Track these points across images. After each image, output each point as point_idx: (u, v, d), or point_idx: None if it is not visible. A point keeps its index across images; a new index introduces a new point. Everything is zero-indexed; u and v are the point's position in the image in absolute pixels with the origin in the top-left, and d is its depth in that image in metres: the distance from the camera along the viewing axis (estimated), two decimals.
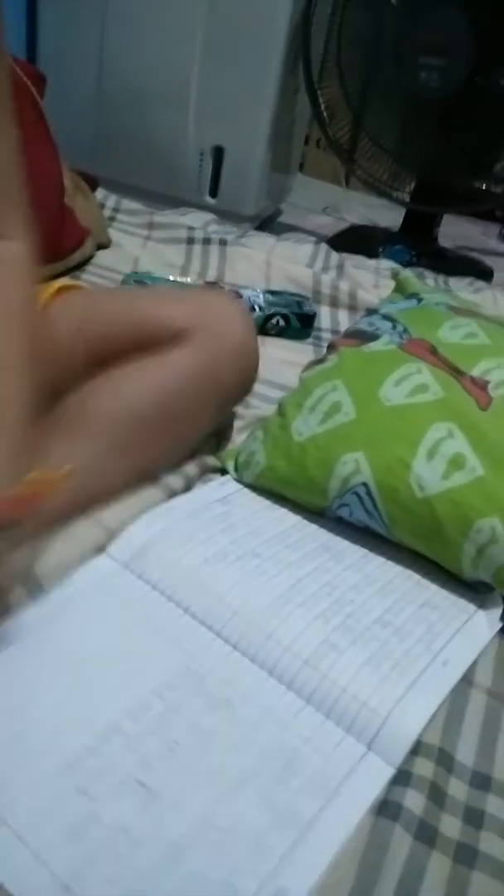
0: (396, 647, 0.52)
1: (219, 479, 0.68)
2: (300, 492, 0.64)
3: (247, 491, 0.66)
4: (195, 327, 0.62)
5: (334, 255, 1.24)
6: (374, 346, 0.74)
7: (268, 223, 1.78)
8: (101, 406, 0.58)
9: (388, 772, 0.44)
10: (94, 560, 0.54)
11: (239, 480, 0.67)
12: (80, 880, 0.35)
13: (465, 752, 0.47)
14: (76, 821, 0.37)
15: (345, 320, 1.07)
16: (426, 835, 0.42)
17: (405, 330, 0.78)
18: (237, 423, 0.77)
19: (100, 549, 0.55)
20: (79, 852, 0.36)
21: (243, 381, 0.68)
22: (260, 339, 0.96)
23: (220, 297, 0.68)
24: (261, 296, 1.01)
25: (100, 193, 1.26)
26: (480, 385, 0.69)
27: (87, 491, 0.56)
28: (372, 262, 1.30)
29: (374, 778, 0.44)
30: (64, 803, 0.38)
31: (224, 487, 0.67)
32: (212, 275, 1.13)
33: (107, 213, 1.24)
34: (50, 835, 0.37)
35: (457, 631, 0.55)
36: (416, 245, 1.59)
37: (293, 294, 1.05)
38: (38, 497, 0.40)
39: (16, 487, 0.40)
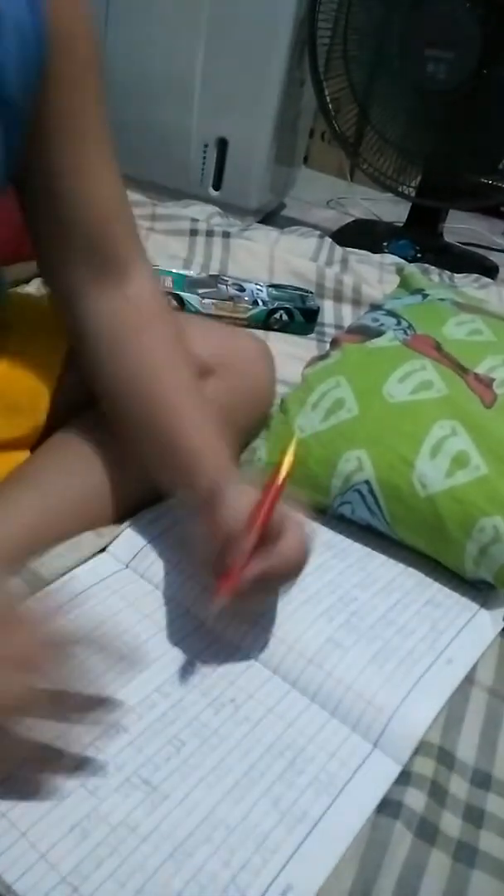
0: (401, 646, 0.52)
1: None
2: (302, 489, 0.64)
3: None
4: (218, 367, 0.62)
5: (338, 250, 1.24)
6: (378, 342, 0.74)
7: (271, 216, 1.77)
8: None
9: (394, 770, 0.44)
10: (95, 559, 0.54)
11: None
12: (88, 880, 0.35)
13: (466, 751, 0.48)
14: (83, 820, 0.38)
15: (348, 315, 1.07)
16: (427, 833, 0.42)
17: (410, 326, 0.78)
18: None
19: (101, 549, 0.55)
20: (86, 852, 0.36)
21: (257, 426, 0.68)
22: (263, 333, 0.97)
23: (246, 336, 0.68)
24: (264, 290, 1.01)
25: None
26: (485, 382, 0.69)
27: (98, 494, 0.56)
28: (376, 257, 1.30)
29: (381, 776, 0.44)
30: (70, 803, 0.38)
31: None
32: (215, 267, 1.12)
33: None
34: (57, 835, 0.37)
35: (461, 629, 0.55)
36: (420, 240, 1.58)
37: (297, 288, 1.05)
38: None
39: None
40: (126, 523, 0.57)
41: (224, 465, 0.51)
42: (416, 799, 0.43)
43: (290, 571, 0.46)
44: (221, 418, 0.58)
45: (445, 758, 0.47)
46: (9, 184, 0.50)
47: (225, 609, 0.43)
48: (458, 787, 0.45)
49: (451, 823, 0.43)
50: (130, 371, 0.54)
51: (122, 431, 0.56)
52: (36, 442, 0.59)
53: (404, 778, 0.44)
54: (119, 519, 0.58)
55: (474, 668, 0.53)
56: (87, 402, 0.59)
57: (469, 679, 0.52)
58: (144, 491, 0.57)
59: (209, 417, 0.54)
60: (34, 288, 0.93)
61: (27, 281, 0.97)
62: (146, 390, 0.54)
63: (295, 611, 0.52)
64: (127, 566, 0.54)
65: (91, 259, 0.54)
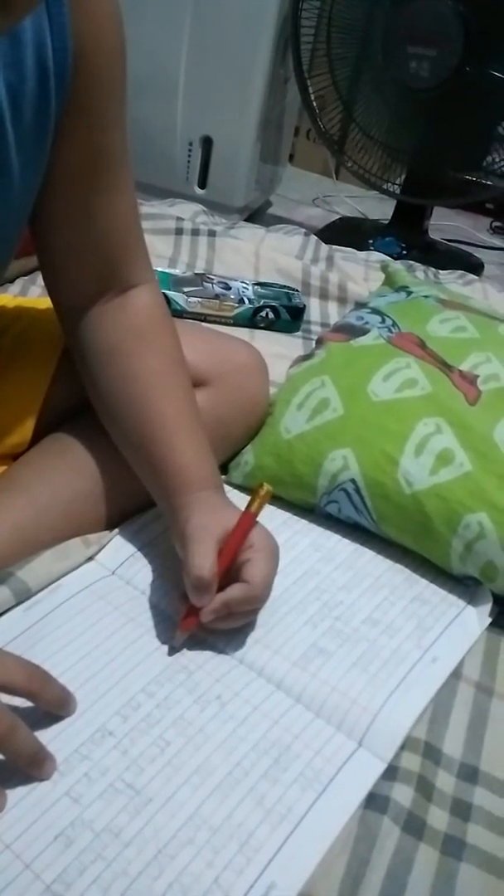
0: (385, 645, 0.52)
1: None
2: (289, 489, 0.64)
3: (235, 493, 0.65)
4: (213, 378, 0.62)
5: (324, 247, 1.24)
6: (362, 340, 0.74)
7: (257, 215, 1.77)
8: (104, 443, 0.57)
9: (379, 767, 0.44)
10: (82, 567, 0.54)
11: (228, 482, 0.67)
12: (72, 887, 0.35)
13: (453, 745, 0.48)
14: (66, 828, 0.37)
15: (334, 313, 1.07)
16: (414, 827, 0.42)
17: (394, 324, 0.78)
18: None
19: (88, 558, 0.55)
20: (69, 859, 0.36)
21: (248, 435, 0.68)
22: (249, 332, 0.97)
23: (242, 347, 0.68)
24: (250, 288, 1.01)
25: None
26: (469, 379, 0.69)
27: (86, 508, 0.57)
28: (362, 255, 1.30)
29: (365, 773, 0.44)
30: (54, 811, 0.38)
31: None
32: (200, 266, 1.12)
33: None
34: (41, 844, 0.37)
35: (447, 626, 0.55)
36: (406, 237, 1.59)
37: (282, 286, 1.05)
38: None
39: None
40: (114, 532, 0.57)
41: (204, 488, 0.52)
42: (403, 794, 0.43)
43: (252, 603, 0.48)
44: (214, 430, 0.58)
45: (432, 753, 0.47)
46: (32, 201, 0.49)
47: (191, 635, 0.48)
48: (445, 781, 0.46)
49: (438, 817, 0.43)
50: (124, 386, 0.54)
51: (115, 442, 0.56)
52: (21, 453, 0.59)
53: (391, 773, 0.44)
54: (109, 524, 0.58)
55: (461, 664, 0.53)
56: (77, 407, 0.59)
57: (456, 674, 0.52)
58: (134, 497, 0.57)
59: (198, 435, 0.54)
60: (39, 288, 0.93)
61: (26, 274, 0.97)
62: (137, 407, 0.54)
63: (280, 620, 0.52)
64: (113, 573, 0.54)
65: (100, 276, 0.54)
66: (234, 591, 0.47)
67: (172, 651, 0.48)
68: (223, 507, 0.51)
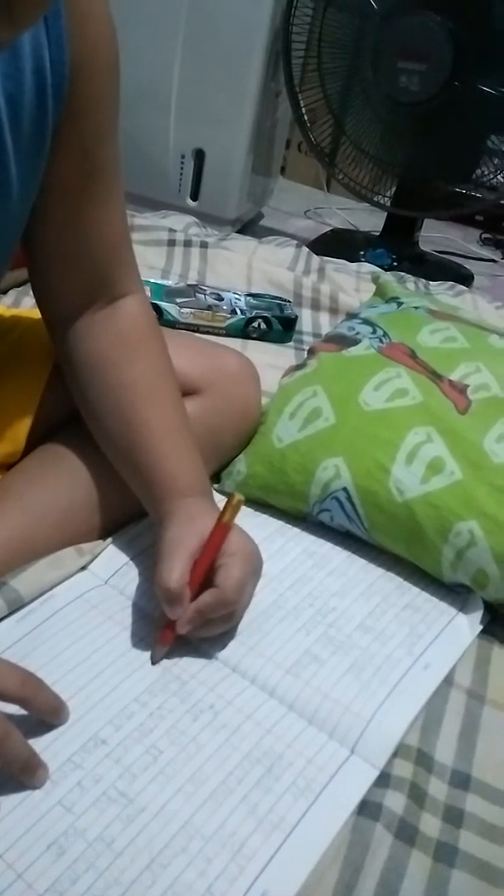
0: (378, 652, 0.52)
1: None
2: (282, 498, 0.65)
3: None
4: (206, 387, 0.63)
5: (315, 259, 1.25)
6: (353, 350, 0.75)
7: (249, 226, 1.79)
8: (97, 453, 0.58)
9: (371, 774, 0.44)
10: (75, 576, 0.54)
11: (221, 491, 0.67)
12: None
13: (445, 752, 0.48)
14: (59, 837, 0.37)
15: (326, 323, 1.08)
16: (407, 834, 0.42)
17: (385, 334, 0.79)
18: None
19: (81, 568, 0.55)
20: (62, 868, 0.36)
21: (240, 444, 0.68)
22: (241, 342, 0.97)
23: (235, 357, 0.68)
24: (242, 299, 1.02)
25: None
26: (459, 389, 0.70)
27: (81, 516, 0.57)
28: (353, 266, 1.31)
29: (358, 781, 0.44)
30: (47, 820, 0.38)
31: None
32: (193, 277, 1.13)
33: None
34: (34, 854, 0.36)
35: (438, 633, 0.55)
36: (396, 249, 1.60)
37: (274, 297, 1.06)
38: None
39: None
40: (107, 541, 0.57)
41: (189, 494, 0.52)
42: (395, 801, 0.43)
43: (226, 606, 0.48)
44: (206, 439, 0.58)
45: (424, 759, 0.47)
46: (26, 218, 0.50)
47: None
48: (437, 788, 0.46)
49: (430, 824, 0.44)
50: (111, 395, 0.54)
51: (104, 451, 0.56)
52: (15, 461, 0.59)
53: (384, 780, 0.44)
54: (102, 534, 0.58)
55: (453, 671, 0.53)
56: (71, 417, 0.59)
57: (447, 681, 0.53)
58: (128, 506, 0.57)
59: (185, 442, 0.54)
60: (32, 299, 0.93)
61: (20, 285, 0.97)
62: (124, 416, 0.54)
63: (273, 627, 0.52)
64: (106, 582, 0.54)
65: (89, 286, 0.55)
66: (205, 597, 0.46)
67: (154, 663, 0.48)
68: (203, 514, 0.50)
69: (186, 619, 0.46)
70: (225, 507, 0.48)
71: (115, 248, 0.55)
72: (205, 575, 0.47)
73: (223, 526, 0.48)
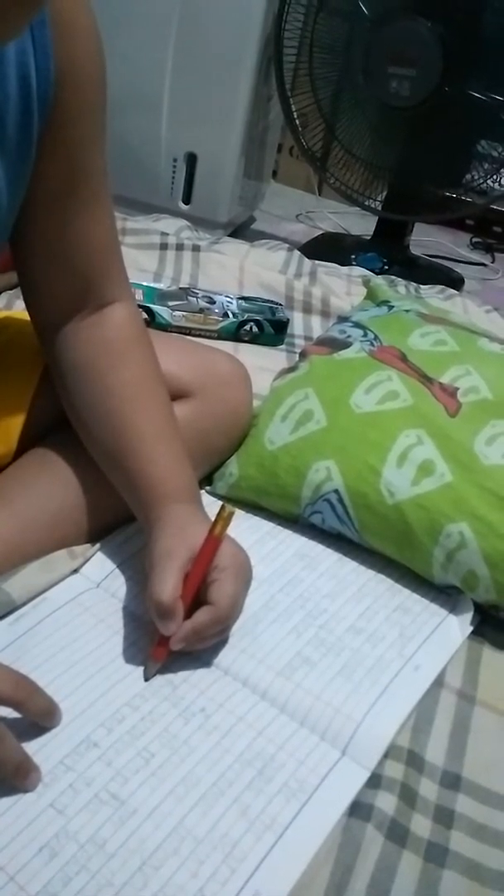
0: (369, 654, 0.52)
1: None
2: (273, 500, 0.65)
3: (219, 504, 0.66)
4: (197, 390, 0.63)
5: (307, 262, 1.26)
6: (345, 353, 0.76)
7: (241, 230, 1.79)
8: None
9: (362, 776, 0.45)
10: (67, 579, 0.54)
11: (213, 493, 0.68)
12: None
13: (436, 753, 0.48)
14: (51, 839, 0.37)
15: (317, 326, 1.08)
16: (397, 834, 0.43)
17: (376, 337, 0.79)
18: None
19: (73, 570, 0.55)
20: (54, 871, 0.36)
21: (232, 447, 0.68)
22: (233, 345, 0.98)
23: (226, 360, 0.68)
24: (234, 302, 1.02)
25: None
26: (449, 392, 0.71)
27: (75, 515, 0.57)
28: (344, 270, 1.32)
29: (349, 782, 0.44)
30: (39, 823, 0.38)
31: None
32: (185, 280, 1.13)
33: None
34: (26, 856, 0.36)
35: (429, 635, 0.56)
36: (387, 253, 1.61)
37: (266, 300, 1.06)
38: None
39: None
40: (98, 545, 0.57)
41: (178, 500, 0.51)
42: (386, 801, 0.44)
43: (221, 623, 0.47)
44: (197, 441, 0.58)
45: (415, 760, 0.47)
46: (12, 223, 0.50)
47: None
48: (428, 789, 0.46)
49: (421, 825, 0.44)
50: (99, 400, 0.55)
51: (93, 457, 0.56)
52: (6, 464, 0.59)
53: (375, 781, 0.45)
54: (93, 537, 0.58)
55: (443, 672, 0.54)
56: (61, 420, 0.59)
57: (438, 682, 0.53)
58: (119, 509, 0.57)
59: (173, 447, 0.54)
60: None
61: (12, 288, 0.97)
62: (111, 421, 0.54)
63: (264, 629, 0.53)
64: (98, 585, 0.54)
65: (77, 292, 0.55)
66: (200, 615, 0.46)
67: (147, 679, 0.47)
68: (193, 523, 0.50)
69: (181, 637, 0.46)
70: (216, 520, 0.48)
71: (101, 256, 0.55)
72: (197, 589, 0.47)
73: (214, 539, 0.48)
